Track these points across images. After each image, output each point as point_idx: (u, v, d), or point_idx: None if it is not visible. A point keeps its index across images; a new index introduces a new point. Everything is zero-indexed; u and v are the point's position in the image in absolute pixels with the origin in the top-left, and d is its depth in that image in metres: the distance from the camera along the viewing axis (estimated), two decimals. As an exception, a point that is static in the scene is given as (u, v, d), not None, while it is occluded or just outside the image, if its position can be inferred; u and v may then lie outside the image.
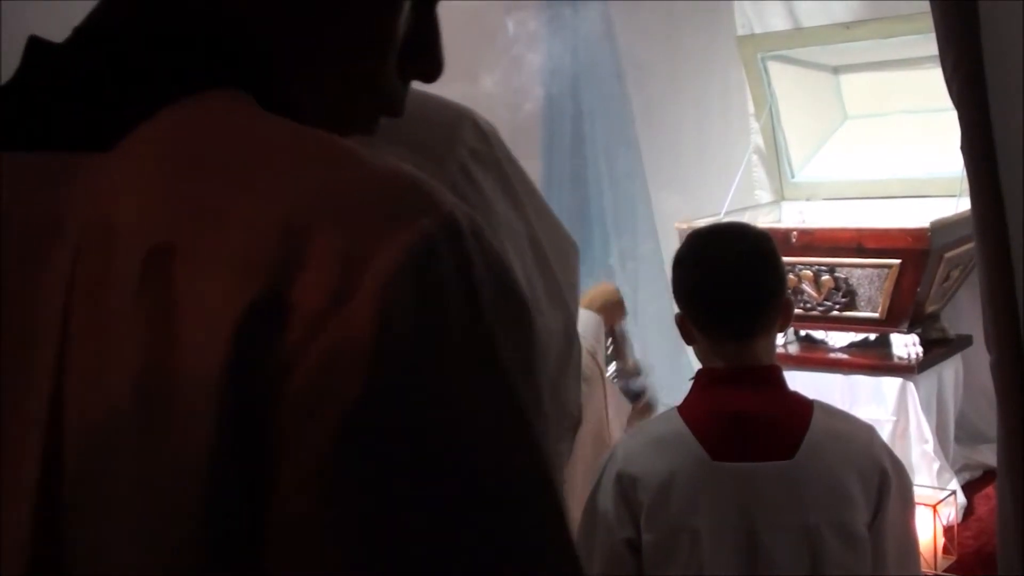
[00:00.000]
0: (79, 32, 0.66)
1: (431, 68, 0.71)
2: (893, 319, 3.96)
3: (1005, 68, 1.55)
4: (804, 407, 1.73)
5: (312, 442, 0.50)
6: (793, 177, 4.78)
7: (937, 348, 4.13)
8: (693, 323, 1.77)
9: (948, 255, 3.88)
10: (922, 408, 3.95)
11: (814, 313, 4.09)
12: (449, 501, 0.52)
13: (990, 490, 4.21)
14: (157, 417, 0.52)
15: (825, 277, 4.01)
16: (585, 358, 2.15)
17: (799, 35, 4.63)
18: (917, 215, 3.93)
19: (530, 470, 0.56)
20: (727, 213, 4.36)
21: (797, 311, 3.86)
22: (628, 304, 5.75)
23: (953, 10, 1.56)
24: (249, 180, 0.55)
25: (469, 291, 0.54)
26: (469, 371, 0.53)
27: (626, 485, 1.71)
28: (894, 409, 3.96)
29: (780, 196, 4.84)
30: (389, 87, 0.69)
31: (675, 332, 1.84)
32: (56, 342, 0.55)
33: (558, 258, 1.21)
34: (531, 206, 1.20)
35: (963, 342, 4.28)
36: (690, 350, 1.86)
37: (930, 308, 4.10)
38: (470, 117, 1.17)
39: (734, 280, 1.74)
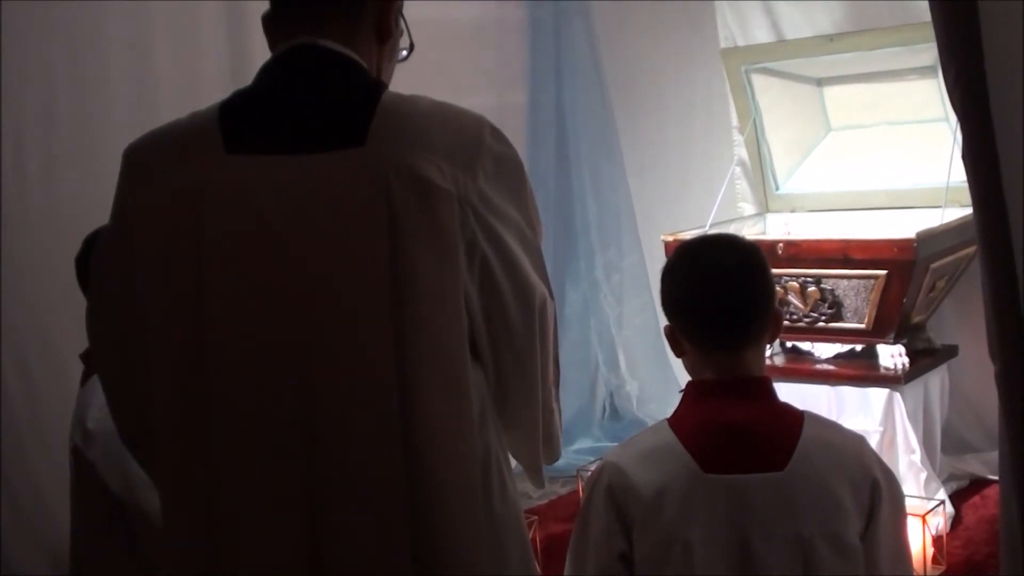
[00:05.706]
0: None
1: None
2: (879, 330, 3.97)
3: (1007, 77, 1.55)
4: (795, 418, 1.73)
5: None
6: (778, 189, 4.79)
7: (923, 358, 4.14)
8: (683, 334, 1.76)
9: (934, 265, 3.89)
10: (908, 418, 3.95)
11: (800, 324, 4.10)
12: None
13: (977, 499, 4.22)
14: None
15: (811, 288, 4.02)
16: None
17: (783, 47, 4.65)
18: (903, 226, 3.94)
19: None
20: (712, 225, 4.37)
21: (783, 323, 3.85)
22: (614, 316, 5.77)
23: (954, 21, 1.57)
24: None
25: None
26: None
27: (618, 498, 1.70)
28: (881, 420, 3.96)
29: (765, 208, 4.85)
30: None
31: (660, 344, 1.85)
32: None
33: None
34: (528, 196, 1.57)
35: (949, 352, 4.29)
36: (676, 362, 1.84)
37: (916, 319, 4.11)
38: (487, 123, 1.54)
39: (725, 291, 1.74)
